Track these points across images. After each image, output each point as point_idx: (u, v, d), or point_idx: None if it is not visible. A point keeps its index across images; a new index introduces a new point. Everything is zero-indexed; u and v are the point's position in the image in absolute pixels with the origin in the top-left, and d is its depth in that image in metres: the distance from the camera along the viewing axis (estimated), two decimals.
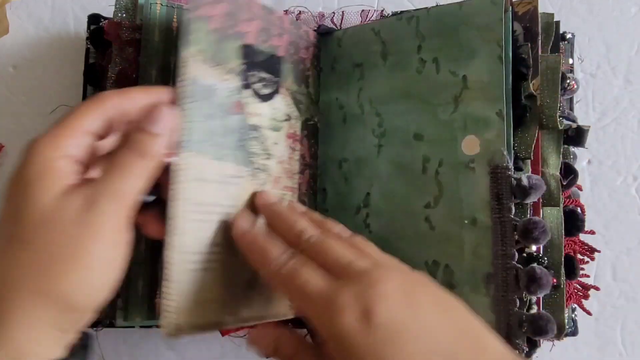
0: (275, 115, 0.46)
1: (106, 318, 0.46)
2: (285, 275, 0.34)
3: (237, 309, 0.41)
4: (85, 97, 0.52)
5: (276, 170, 0.46)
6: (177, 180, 0.37)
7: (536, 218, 0.42)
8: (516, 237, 0.42)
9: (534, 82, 0.44)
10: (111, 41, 0.48)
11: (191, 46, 0.40)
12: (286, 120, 0.47)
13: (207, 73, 0.40)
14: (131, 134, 0.34)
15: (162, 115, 0.35)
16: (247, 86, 0.44)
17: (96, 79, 0.50)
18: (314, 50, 0.51)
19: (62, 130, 0.33)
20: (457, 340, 0.31)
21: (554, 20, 0.47)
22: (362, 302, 0.30)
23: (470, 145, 0.44)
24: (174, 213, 0.37)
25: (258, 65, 0.45)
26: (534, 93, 0.44)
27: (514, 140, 0.44)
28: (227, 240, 0.40)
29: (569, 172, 0.47)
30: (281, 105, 0.47)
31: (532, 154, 0.44)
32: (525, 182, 0.42)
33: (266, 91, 0.46)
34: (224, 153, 0.41)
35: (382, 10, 0.54)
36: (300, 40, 0.49)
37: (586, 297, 0.49)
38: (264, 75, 0.45)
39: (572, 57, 0.53)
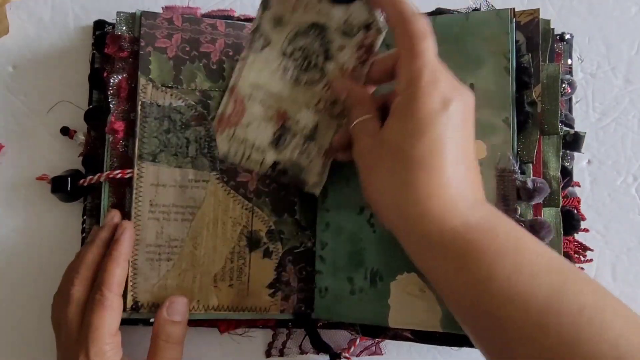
0: (349, 20, 0.46)
1: None
2: (413, 30, 0.40)
3: (205, 298, 0.49)
4: (91, 102, 0.52)
5: (334, 74, 0.47)
6: (137, 186, 0.48)
7: (541, 219, 0.44)
8: None
9: (535, 90, 0.46)
10: (111, 55, 0.50)
11: (150, 74, 0.49)
12: (363, 29, 0.46)
13: (163, 95, 0.49)
14: (161, 324, 0.46)
15: (178, 305, 0.47)
16: None
17: (101, 84, 0.51)
18: None
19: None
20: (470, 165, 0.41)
21: (550, 27, 0.48)
22: (448, 95, 0.39)
23: (478, 149, 0.45)
24: (137, 213, 0.48)
25: None
26: (536, 100, 0.46)
27: (517, 145, 0.45)
28: (188, 236, 0.48)
29: (564, 174, 0.49)
30: (360, 11, 0.46)
31: (534, 158, 0.46)
32: (530, 185, 0.44)
33: None
34: (183, 161, 0.49)
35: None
36: None
37: None
38: None
39: (570, 57, 0.54)
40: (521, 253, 0.38)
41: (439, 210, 0.39)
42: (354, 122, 0.44)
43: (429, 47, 0.40)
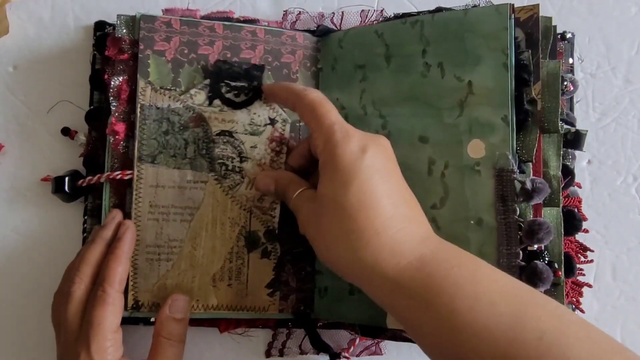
0: (254, 120, 0.50)
1: None
2: (310, 100, 0.44)
3: (205, 297, 0.49)
4: (92, 103, 0.52)
5: (253, 172, 0.50)
6: (137, 187, 0.48)
7: (541, 219, 0.44)
8: (520, 236, 0.44)
9: (535, 87, 0.45)
10: (111, 57, 0.50)
11: (148, 77, 0.49)
12: (268, 124, 0.50)
13: (162, 97, 0.49)
14: (164, 321, 0.46)
15: (180, 303, 0.47)
16: (216, 97, 0.50)
17: (102, 85, 0.51)
18: (303, 52, 0.51)
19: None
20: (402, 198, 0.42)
21: (552, 24, 0.47)
22: (364, 142, 0.41)
23: (476, 148, 0.45)
24: (137, 213, 0.48)
25: (230, 77, 0.50)
26: (536, 98, 0.45)
27: (516, 144, 0.45)
28: (187, 236, 0.49)
29: (566, 174, 0.48)
30: (262, 110, 0.51)
31: (534, 157, 0.45)
32: (528, 185, 0.43)
33: (240, 99, 0.50)
34: (182, 162, 0.49)
35: (382, 10, 0.54)
36: (282, 47, 0.51)
37: (580, 294, 0.49)
38: (236, 84, 0.50)
39: (572, 56, 0.53)
40: (478, 281, 0.38)
41: (390, 247, 0.40)
42: (292, 198, 0.46)
43: (330, 109, 0.43)
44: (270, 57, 0.51)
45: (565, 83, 0.48)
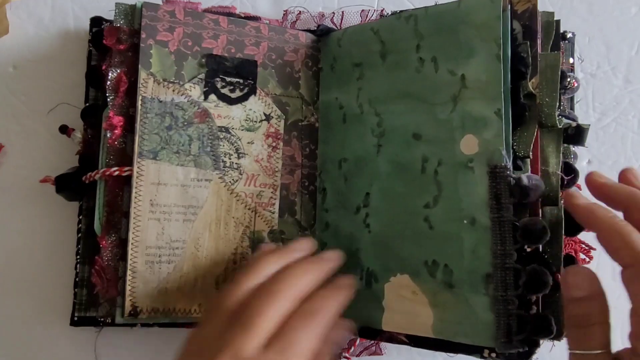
0: (250, 116, 0.50)
1: (106, 316, 0.47)
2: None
3: (207, 301, 0.47)
4: (87, 99, 0.52)
5: (251, 169, 0.49)
6: (137, 185, 0.46)
7: (536, 218, 0.42)
8: (516, 236, 0.42)
9: (533, 81, 0.44)
10: (109, 47, 0.48)
11: (150, 68, 0.47)
12: (264, 120, 0.50)
13: (165, 90, 0.47)
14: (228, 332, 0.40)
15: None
16: (212, 92, 0.49)
17: (98, 81, 0.50)
18: (306, 51, 0.51)
19: None
20: None
21: (554, 19, 0.46)
22: None
23: (469, 144, 0.44)
24: (136, 213, 0.46)
25: (225, 71, 0.49)
26: (533, 92, 0.44)
27: (513, 140, 0.43)
28: (189, 237, 0.47)
29: (569, 172, 0.46)
30: (257, 106, 0.50)
31: (531, 153, 0.43)
32: (524, 182, 0.42)
33: (236, 94, 0.49)
34: (186, 159, 0.47)
35: (382, 10, 0.54)
36: (285, 45, 0.51)
37: None
38: (232, 79, 0.49)
39: (572, 56, 0.53)
40: None
41: None
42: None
43: None
44: (274, 55, 0.50)
45: (568, 79, 0.47)
